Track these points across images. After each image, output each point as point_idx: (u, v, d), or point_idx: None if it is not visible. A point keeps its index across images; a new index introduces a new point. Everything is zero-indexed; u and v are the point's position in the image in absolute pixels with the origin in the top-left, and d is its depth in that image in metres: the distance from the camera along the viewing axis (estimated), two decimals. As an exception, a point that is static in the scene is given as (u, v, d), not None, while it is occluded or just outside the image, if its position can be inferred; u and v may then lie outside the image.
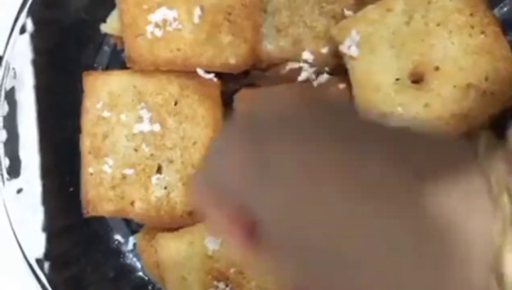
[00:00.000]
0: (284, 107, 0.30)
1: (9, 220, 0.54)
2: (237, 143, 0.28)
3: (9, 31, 0.54)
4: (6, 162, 0.54)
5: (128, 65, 0.55)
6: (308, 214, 0.26)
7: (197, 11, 0.53)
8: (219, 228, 0.30)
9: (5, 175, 0.54)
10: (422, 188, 0.25)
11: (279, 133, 0.27)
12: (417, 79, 0.51)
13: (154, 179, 0.55)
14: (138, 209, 0.55)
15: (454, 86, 0.50)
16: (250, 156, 0.27)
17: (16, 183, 0.54)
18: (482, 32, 0.50)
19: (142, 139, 0.55)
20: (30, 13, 0.54)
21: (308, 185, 0.26)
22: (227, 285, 0.53)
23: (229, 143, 0.29)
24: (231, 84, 0.56)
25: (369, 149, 0.27)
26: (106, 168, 0.55)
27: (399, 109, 0.50)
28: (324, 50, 0.54)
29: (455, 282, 0.25)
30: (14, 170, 0.54)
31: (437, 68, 0.50)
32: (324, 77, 0.54)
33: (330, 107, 0.30)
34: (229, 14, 0.53)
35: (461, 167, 0.27)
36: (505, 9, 0.53)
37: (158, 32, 0.53)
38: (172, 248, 0.53)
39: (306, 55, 0.54)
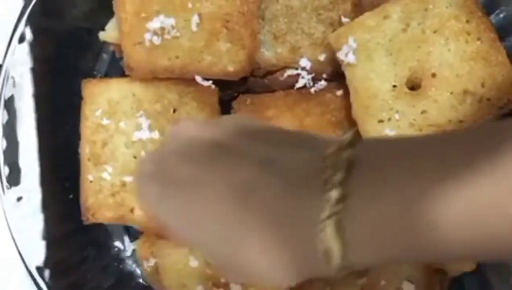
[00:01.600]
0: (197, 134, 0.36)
1: (9, 228, 0.54)
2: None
3: (8, 40, 0.54)
4: (6, 170, 0.54)
5: (127, 73, 0.55)
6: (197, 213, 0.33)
7: (195, 19, 0.53)
8: None
9: (5, 184, 0.54)
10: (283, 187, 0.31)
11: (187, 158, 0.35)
12: (414, 86, 0.51)
13: (153, 186, 0.55)
14: (137, 216, 0.55)
15: (451, 93, 0.50)
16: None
17: (16, 191, 0.55)
18: (478, 39, 0.50)
19: (141, 146, 0.55)
20: (29, 22, 0.54)
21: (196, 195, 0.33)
22: (226, 292, 0.53)
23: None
24: (229, 91, 0.57)
25: (244, 160, 0.33)
26: (105, 175, 0.55)
27: (396, 116, 0.50)
28: (322, 57, 0.55)
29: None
30: (13, 178, 0.55)
31: (434, 75, 0.50)
32: (322, 84, 0.55)
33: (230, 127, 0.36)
34: (227, 21, 0.53)
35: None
36: (501, 15, 0.53)
37: (157, 40, 0.54)
38: (172, 255, 0.54)
39: (304, 62, 0.54)
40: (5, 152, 0.54)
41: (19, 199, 0.55)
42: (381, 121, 0.51)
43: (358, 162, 0.29)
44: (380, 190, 0.28)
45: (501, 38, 0.51)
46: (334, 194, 0.28)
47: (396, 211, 0.28)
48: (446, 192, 0.27)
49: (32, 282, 0.54)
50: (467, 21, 0.51)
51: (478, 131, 0.31)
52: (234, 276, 0.35)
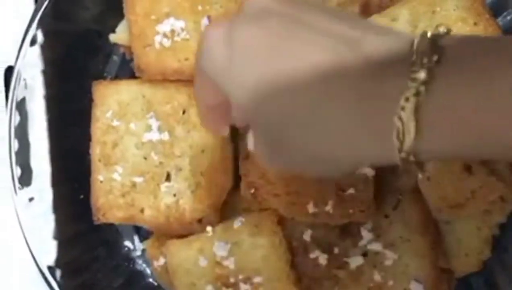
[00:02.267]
0: None
1: (21, 228, 0.55)
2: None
3: (19, 42, 0.55)
4: (18, 171, 0.55)
5: (137, 75, 0.56)
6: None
7: (204, 21, 0.54)
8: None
9: (17, 184, 0.55)
10: None
11: None
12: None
13: (163, 186, 0.56)
14: (147, 216, 0.56)
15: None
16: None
17: (27, 191, 0.55)
18: (486, 41, 0.51)
19: (151, 147, 0.56)
20: (40, 25, 0.55)
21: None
22: (236, 291, 0.53)
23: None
24: (238, 92, 0.57)
25: None
26: (116, 175, 0.56)
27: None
28: (330, 59, 0.55)
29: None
30: (25, 179, 0.55)
31: (442, 77, 0.51)
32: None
33: None
34: (236, 24, 0.54)
35: None
36: (508, 17, 0.53)
37: (166, 42, 0.54)
38: (182, 255, 0.54)
39: (312, 64, 0.55)
40: (17, 153, 0.55)
41: (31, 199, 0.55)
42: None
43: (449, 49, 0.29)
44: (471, 80, 0.28)
45: (508, 40, 0.51)
46: (421, 75, 0.28)
47: (484, 102, 0.27)
48: None
49: (42, 282, 0.55)
50: (475, 24, 0.51)
51: None
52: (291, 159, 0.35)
